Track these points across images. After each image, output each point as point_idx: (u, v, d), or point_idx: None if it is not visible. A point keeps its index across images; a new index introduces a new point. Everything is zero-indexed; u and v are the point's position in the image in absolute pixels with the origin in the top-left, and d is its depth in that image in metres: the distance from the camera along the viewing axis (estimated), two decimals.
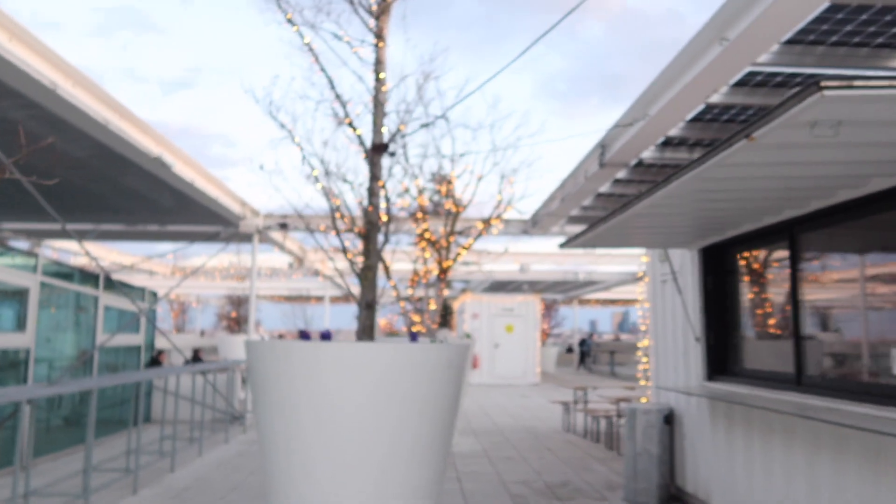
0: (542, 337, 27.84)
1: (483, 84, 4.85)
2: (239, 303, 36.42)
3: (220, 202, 10.10)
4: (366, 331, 5.02)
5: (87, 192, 10.63)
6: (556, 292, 32.09)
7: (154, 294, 11.93)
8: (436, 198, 11.47)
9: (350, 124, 5.28)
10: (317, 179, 5.20)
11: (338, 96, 5.27)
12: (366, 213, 5.20)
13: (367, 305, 5.07)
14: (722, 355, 6.16)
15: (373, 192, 5.20)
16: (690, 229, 5.80)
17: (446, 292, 10.59)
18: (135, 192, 10.02)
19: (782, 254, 5.22)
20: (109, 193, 10.38)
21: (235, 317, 37.30)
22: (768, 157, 3.12)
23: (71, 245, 15.99)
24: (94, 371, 9.64)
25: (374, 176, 5.20)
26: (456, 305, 28.97)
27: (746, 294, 5.87)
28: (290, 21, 5.26)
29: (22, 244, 14.23)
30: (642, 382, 7.84)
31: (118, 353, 11.06)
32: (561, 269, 23.00)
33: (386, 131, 5.30)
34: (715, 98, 5.69)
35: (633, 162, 7.61)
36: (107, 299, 10.04)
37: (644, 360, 7.76)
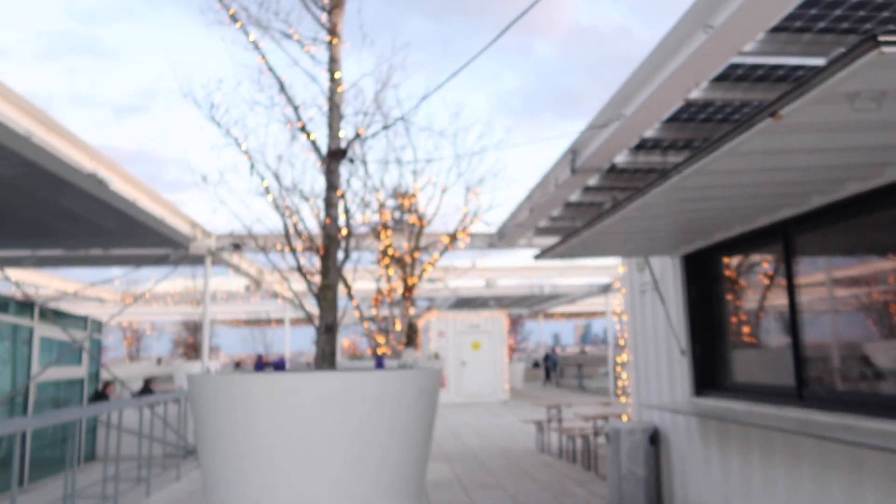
0: (508, 353, 27.45)
1: (442, 84, 4.42)
2: (196, 328, 35.19)
3: (167, 223, 9.42)
4: (325, 357, 4.47)
5: (20, 216, 9.82)
6: (522, 307, 31.79)
7: (98, 323, 11.12)
8: (398, 213, 10.99)
9: (303, 128, 4.76)
10: (267, 191, 4.65)
11: (289, 99, 4.76)
12: (323, 226, 4.68)
13: (327, 328, 4.53)
14: (710, 368, 5.77)
15: (330, 203, 4.68)
16: (673, 235, 5.43)
17: (412, 311, 10.07)
18: (73, 213, 9.27)
19: (774, 256, 4.87)
20: (45, 216, 9.59)
21: (192, 343, 36.06)
22: (784, 143, 2.71)
23: (12, 274, 14.97)
24: (30, 409, 8.82)
25: (332, 185, 4.69)
26: (421, 324, 28.41)
27: (735, 302, 5.51)
28: (233, 17, 4.74)
29: None
30: (622, 399, 7.43)
31: (58, 388, 10.21)
32: (527, 284, 22.68)
33: (343, 136, 4.80)
34: (695, 94, 5.35)
35: (606, 167, 7.25)
36: (43, 330, 9.25)
37: (623, 375, 7.36)
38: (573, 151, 7.37)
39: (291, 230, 5.05)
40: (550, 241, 12.76)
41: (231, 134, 4.62)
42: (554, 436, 10.97)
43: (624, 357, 7.18)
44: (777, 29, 4.58)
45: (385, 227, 9.70)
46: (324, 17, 4.85)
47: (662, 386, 6.34)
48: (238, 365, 27.59)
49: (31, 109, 5.58)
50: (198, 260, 12.20)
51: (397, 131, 9.44)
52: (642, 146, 7.22)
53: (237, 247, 11.66)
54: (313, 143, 4.77)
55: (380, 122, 5.75)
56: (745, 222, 4.76)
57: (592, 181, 8.12)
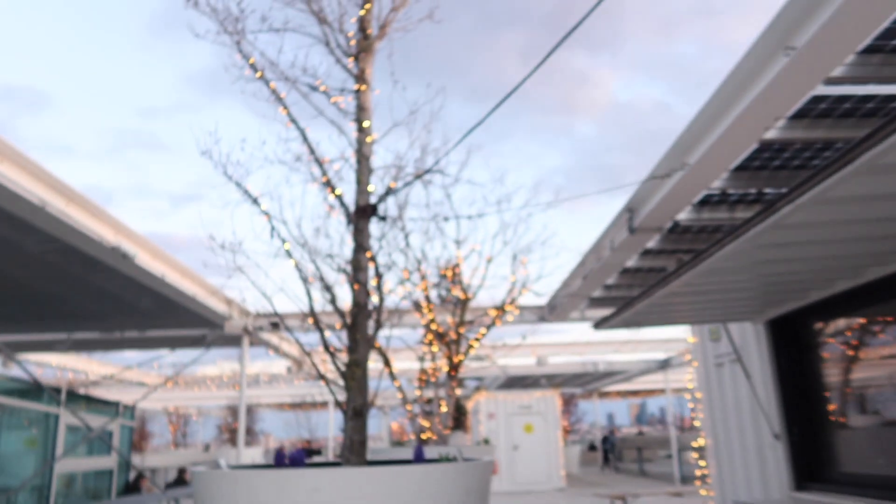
0: (563, 435, 26.02)
1: (483, 119, 3.87)
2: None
3: (200, 300, 9.02)
4: (354, 447, 3.78)
5: (54, 296, 9.57)
6: (575, 385, 30.35)
7: (131, 408, 10.64)
8: (441, 288, 10.38)
9: (327, 183, 4.25)
10: (289, 255, 4.10)
11: (311, 150, 4.28)
12: (352, 292, 4.08)
13: (356, 413, 3.86)
14: (812, 456, 4.84)
15: (358, 267, 4.10)
16: (755, 298, 4.66)
17: (458, 391, 9.29)
18: (105, 291, 8.96)
19: (890, 317, 4.05)
20: (78, 296, 9.32)
21: (236, 427, 35.44)
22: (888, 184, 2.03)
23: (50, 358, 14.81)
24: (51, 501, 8.24)
25: (360, 245, 4.12)
26: (470, 405, 27.24)
27: (840, 373, 4.64)
28: (253, 67, 4.35)
29: None
30: (703, 492, 6.42)
31: (86, 479, 9.65)
32: (580, 361, 21.56)
33: (373, 191, 4.27)
34: (771, 133, 4.68)
35: (668, 226, 6.55)
36: (69, 417, 8.77)
37: (701, 462, 6.39)
38: (630, 210, 6.71)
39: (319, 301, 4.46)
40: (605, 313, 11.92)
41: (245, 190, 4.13)
42: None
43: (701, 441, 6.24)
44: (869, 50, 3.94)
45: (428, 300, 9.07)
46: (350, 61, 4.43)
47: (752, 476, 5.38)
48: (281, 452, 26.74)
49: (39, 173, 5.26)
50: (234, 341, 11.75)
51: (438, 200, 8.93)
52: (707, 201, 6.52)
53: (275, 326, 11.18)
54: (339, 198, 4.25)
55: (415, 181, 5.24)
56: (851, 276, 3.98)
57: (652, 243, 7.41)
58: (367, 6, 4.59)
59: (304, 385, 24.37)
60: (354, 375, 3.91)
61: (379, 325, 4.20)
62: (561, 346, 16.52)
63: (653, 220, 6.35)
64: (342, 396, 4.10)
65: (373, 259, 4.25)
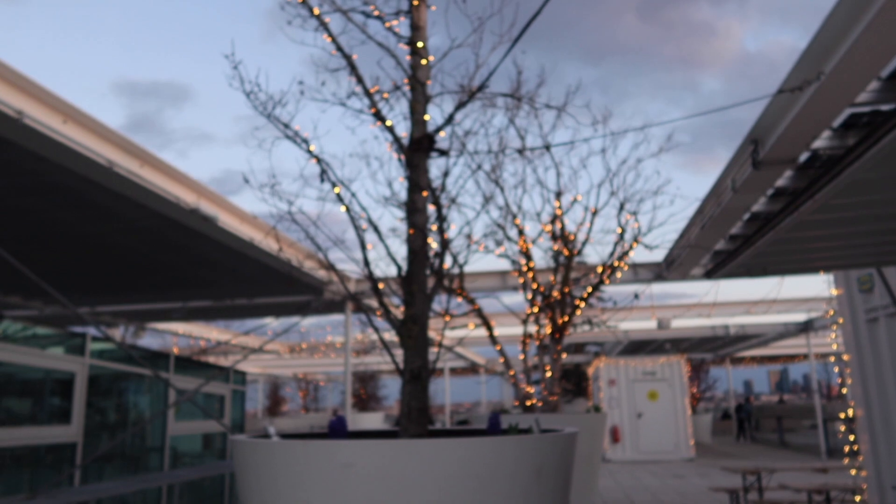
0: (691, 403, 24.55)
1: (533, 17, 3.15)
2: (364, 379, 35.68)
3: (296, 265, 8.88)
4: (412, 415, 3.27)
5: (166, 265, 9.84)
6: (704, 351, 28.54)
7: (242, 374, 10.84)
8: (545, 245, 9.66)
9: (376, 114, 3.70)
10: (340, 200, 3.61)
11: (359, 79, 3.74)
12: (407, 238, 3.55)
13: (413, 376, 3.34)
14: None
15: (414, 208, 3.55)
16: None
17: (564, 355, 8.60)
18: (208, 260, 9.07)
19: None
20: (185, 264, 9.52)
21: (364, 393, 36.60)
22: None
23: (173, 326, 15.57)
24: (165, 464, 8.48)
25: (415, 184, 3.56)
26: (590, 371, 26.33)
27: None
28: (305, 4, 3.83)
29: (120, 329, 13.87)
30: (853, 471, 5.40)
31: (195, 441, 9.94)
32: (708, 324, 20.07)
33: (429, 120, 3.68)
34: None
35: (804, 157, 5.47)
36: (181, 382, 8.99)
37: (851, 437, 5.37)
38: (754, 140, 5.67)
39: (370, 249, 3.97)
40: (730, 268, 10.68)
41: (293, 131, 3.66)
42: None
43: (851, 412, 5.22)
44: None
45: (528, 258, 8.41)
46: None
47: None
48: (332, 420, 27.15)
49: (103, 131, 5.11)
50: (340, 307, 11.68)
51: (536, 157, 8.11)
52: (853, 123, 5.37)
53: (376, 290, 10.92)
54: (390, 130, 3.69)
55: (476, 107, 4.59)
56: None
57: (783, 181, 6.30)
58: None
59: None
60: (411, 333, 3.39)
61: (441, 277, 3.64)
62: (684, 307, 15.28)
63: (782, 149, 5.29)
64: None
65: (435, 199, 3.68)
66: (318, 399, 39.87)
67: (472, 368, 33.75)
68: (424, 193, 3.55)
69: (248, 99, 3.75)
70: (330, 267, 3.88)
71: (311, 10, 3.89)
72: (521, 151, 4.99)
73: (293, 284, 10.19)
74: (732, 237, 8.76)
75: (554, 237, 8.47)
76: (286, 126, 3.69)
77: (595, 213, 8.45)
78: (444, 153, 3.71)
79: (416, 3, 3.81)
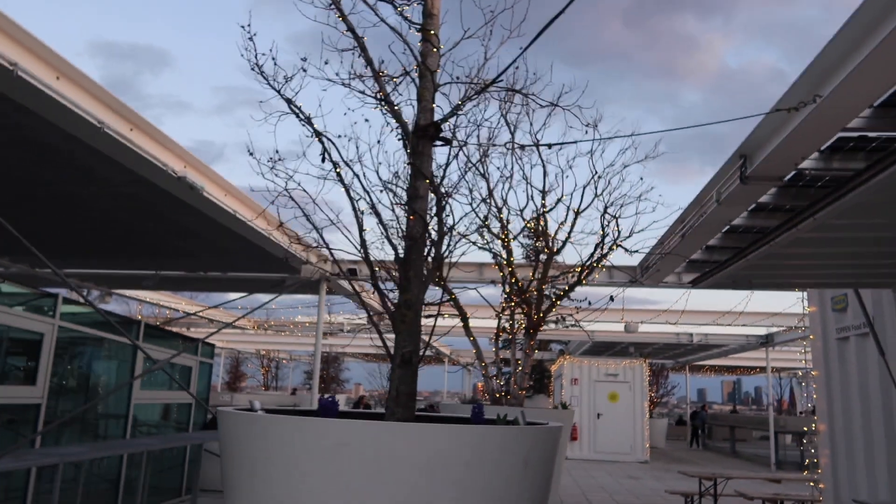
0: (649, 407, 25.04)
1: (549, 24, 3.17)
2: (328, 360, 35.55)
3: (275, 241, 8.81)
4: (400, 399, 3.30)
5: (142, 232, 9.67)
6: (666, 357, 29.06)
7: (210, 347, 10.74)
8: (525, 241, 9.72)
9: (384, 99, 3.70)
10: (340, 180, 3.60)
11: (368, 62, 3.72)
12: (407, 224, 3.56)
13: (404, 360, 3.36)
14: None
15: (415, 195, 3.56)
16: None
17: (537, 352, 8.70)
18: (186, 229, 8.94)
19: None
20: (163, 232, 9.37)
21: (323, 375, 36.46)
22: None
23: (147, 295, 15.35)
24: (127, 432, 8.37)
25: (418, 171, 3.57)
26: (553, 368, 26.62)
27: None
28: None
29: (94, 292, 13.61)
30: (821, 485, 5.56)
31: (162, 411, 9.83)
32: (673, 331, 20.42)
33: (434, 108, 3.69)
34: None
35: (789, 175, 5.60)
36: (148, 351, 8.86)
37: (812, 450, 5.54)
38: (743, 155, 5.79)
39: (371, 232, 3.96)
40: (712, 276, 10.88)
41: (297, 108, 3.63)
42: None
43: (820, 426, 5.39)
44: None
45: (509, 252, 8.46)
46: None
47: (877, 473, 4.54)
48: (361, 401, 27.17)
49: (99, 92, 5.00)
50: (314, 287, 11.62)
51: (524, 155, 8.15)
52: (839, 146, 5.51)
53: (352, 273, 10.92)
54: (396, 116, 3.69)
55: (483, 99, 4.60)
56: None
57: (766, 197, 6.45)
58: None
59: (389, 337, 24.46)
60: (405, 318, 3.40)
61: (438, 263, 3.66)
62: (653, 312, 15.54)
63: (771, 166, 5.42)
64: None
65: (434, 188, 3.70)
66: (280, 377, 39.63)
67: (437, 358, 33.84)
68: (427, 181, 3.56)
69: (261, 74, 3.71)
70: (325, 248, 3.85)
71: None
72: (523, 147, 4.99)
73: (270, 262, 10.11)
74: (716, 248, 8.93)
75: (536, 234, 8.54)
76: (290, 102, 3.66)
77: (578, 214, 8.54)
78: (447, 142, 3.73)
79: None
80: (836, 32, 4.06)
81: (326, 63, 3.98)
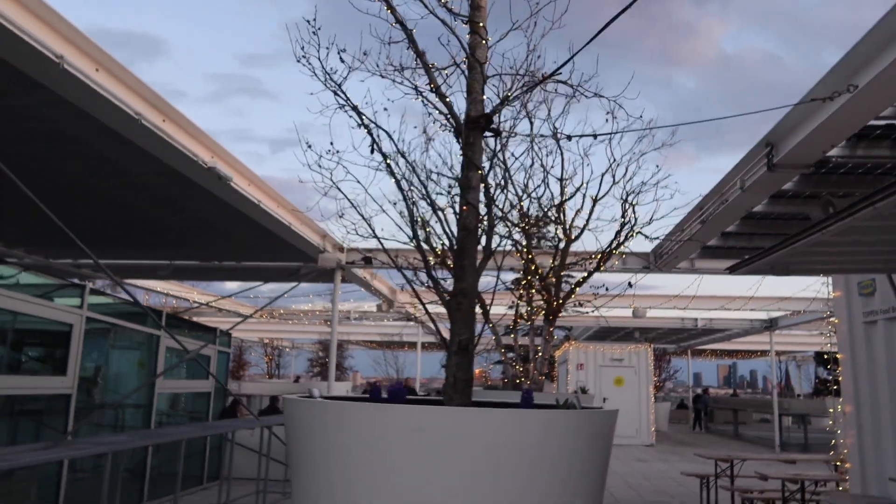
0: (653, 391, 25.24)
1: (607, 25, 3.21)
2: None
3: (295, 229, 8.86)
4: (458, 385, 3.38)
5: (158, 222, 9.70)
6: (670, 341, 29.26)
7: (227, 335, 10.82)
8: (544, 228, 9.80)
9: (436, 90, 3.75)
10: (391, 172, 3.65)
11: (417, 53, 3.77)
12: (460, 215, 3.62)
13: (461, 348, 3.44)
14: None
15: (469, 186, 3.63)
16: None
17: (556, 338, 8.80)
18: (203, 219, 8.98)
19: None
20: (181, 223, 9.40)
21: (326, 362, 36.59)
22: None
23: (156, 284, 15.40)
24: (152, 420, 8.45)
25: (470, 161, 3.63)
26: (557, 354, 26.78)
27: None
28: None
29: (102, 282, 13.66)
30: (847, 465, 5.69)
31: (184, 400, 9.92)
32: (679, 316, 20.56)
33: (487, 102, 3.75)
34: None
35: (814, 163, 5.69)
36: (169, 340, 8.93)
37: (839, 431, 5.67)
38: (769, 143, 5.87)
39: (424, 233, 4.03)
40: (717, 264, 10.98)
41: (346, 100, 3.68)
42: (724, 496, 9.18)
43: (845, 408, 5.51)
44: None
45: (529, 239, 8.53)
46: None
47: None
48: (371, 386, 27.26)
49: (137, 86, 5.03)
50: (327, 276, 11.68)
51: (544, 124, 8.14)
52: (866, 135, 5.60)
53: (368, 261, 10.99)
54: (449, 107, 3.75)
55: (533, 90, 4.63)
56: None
57: (788, 184, 6.54)
58: None
59: (393, 325, 24.61)
60: (461, 306, 3.48)
61: (489, 253, 3.74)
62: (662, 298, 15.66)
63: (799, 154, 5.51)
64: (436, 335, 3.70)
65: (483, 179, 3.76)
66: (282, 365, 39.77)
67: (440, 344, 33.99)
68: (479, 172, 3.63)
69: (318, 73, 3.75)
70: (374, 237, 3.91)
71: None
72: (570, 138, 5.06)
73: (284, 250, 10.16)
74: (729, 249, 8.99)
75: (556, 222, 8.61)
76: (347, 99, 3.71)
77: (596, 201, 8.59)
78: (497, 133, 3.79)
79: None
80: (873, 26, 4.12)
81: (366, 55, 4.03)
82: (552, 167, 8.78)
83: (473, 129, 3.65)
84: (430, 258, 4.00)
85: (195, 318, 19.44)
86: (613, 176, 8.50)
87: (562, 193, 8.63)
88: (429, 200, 3.76)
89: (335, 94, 3.85)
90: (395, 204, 4.11)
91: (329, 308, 22.75)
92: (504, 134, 4.18)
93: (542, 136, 6.78)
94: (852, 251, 3.69)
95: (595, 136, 4.01)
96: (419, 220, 3.80)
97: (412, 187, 3.96)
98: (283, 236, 9.18)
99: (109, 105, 4.96)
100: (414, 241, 3.74)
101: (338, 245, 10.95)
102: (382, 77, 4.02)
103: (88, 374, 7.39)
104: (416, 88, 3.71)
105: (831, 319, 5.91)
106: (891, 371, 4.88)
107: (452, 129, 3.79)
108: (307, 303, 22.14)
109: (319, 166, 4.06)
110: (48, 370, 6.86)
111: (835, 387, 5.76)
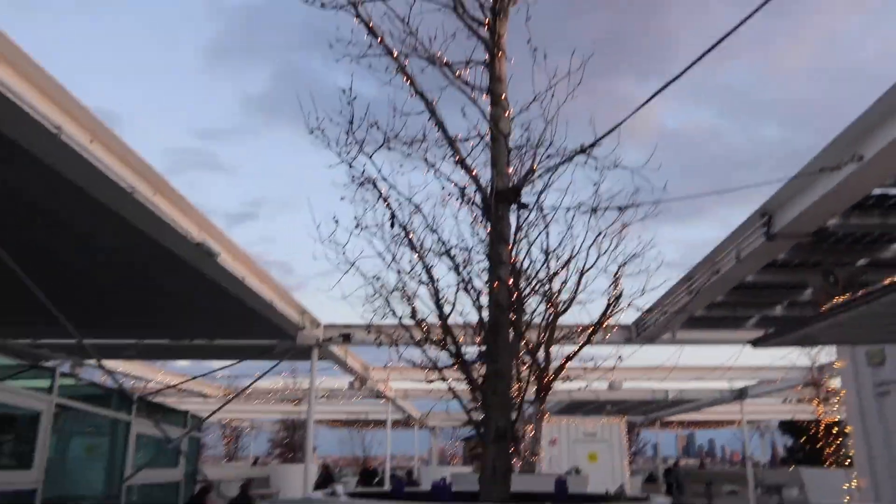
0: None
1: (651, 97, 3.19)
2: (294, 427, 34.29)
3: (277, 307, 8.55)
4: (497, 476, 3.13)
5: (127, 298, 9.24)
6: (639, 413, 29.03)
7: (199, 419, 10.24)
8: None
9: (461, 162, 3.66)
10: (411, 246, 3.50)
11: (439, 125, 3.69)
12: (491, 292, 3.46)
13: (499, 435, 3.21)
14: None
15: (497, 260, 3.48)
16: None
17: (547, 415, 8.57)
18: (179, 295, 8.58)
19: None
20: (152, 296, 8.96)
21: (289, 443, 35.14)
22: None
23: (120, 365, 14.62)
24: None
25: (500, 235, 3.51)
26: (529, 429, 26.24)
27: None
28: (371, 32, 3.79)
29: (63, 364, 12.90)
30: None
31: (152, 491, 9.23)
32: (649, 387, 20.48)
33: (513, 174, 3.66)
34: None
35: (813, 231, 5.75)
36: (140, 426, 8.37)
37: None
38: (765, 213, 5.93)
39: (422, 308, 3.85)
40: (700, 335, 10.97)
41: (361, 170, 3.56)
42: None
43: (857, 482, 5.37)
44: None
45: (521, 312, 8.36)
46: (485, 25, 3.84)
47: None
48: (327, 469, 25.90)
49: (131, 159, 4.83)
50: (303, 353, 11.26)
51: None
52: (860, 204, 5.70)
53: (346, 338, 10.66)
54: (475, 180, 3.65)
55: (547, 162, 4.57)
56: None
57: (784, 254, 6.60)
58: None
59: (362, 403, 23.83)
60: (496, 389, 3.27)
61: (521, 331, 3.56)
62: (641, 370, 15.57)
63: (799, 224, 5.56)
64: (465, 416, 3.47)
65: (511, 253, 3.63)
66: (241, 447, 37.98)
67: (406, 422, 33.04)
68: (508, 247, 3.50)
69: (319, 136, 3.63)
70: (394, 315, 3.71)
71: (390, 52, 3.85)
72: (595, 210, 4.97)
73: (260, 327, 9.77)
74: (713, 319, 8.96)
75: (544, 297, 8.49)
76: (374, 184, 3.59)
77: (583, 273, 8.53)
78: (524, 206, 3.69)
79: (499, 55, 3.83)
80: (881, 96, 4.22)
81: (377, 127, 3.94)
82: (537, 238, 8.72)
83: (501, 201, 3.54)
84: (450, 337, 3.81)
85: (157, 400, 18.52)
86: (599, 249, 8.49)
87: (547, 266, 8.56)
88: (459, 274, 3.59)
89: (350, 165, 3.73)
90: (377, 279, 3.95)
91: (293, 386, 21.95)
92: (534, 207, 4.07)
93: (569, 208, 6.73)
94: (882, 323, 3.64)
95: (621, 209, 3.94)
96: (444, 297, 3.62)
97: (427, 260, 3.79)
98: (265, 313, 8.84)
99: (105, 179, 4.74)
100: (441, 321, 3.55)
101: (315, 321, 10.62)
102: (408, 156, 3.90)
103: (54, 465, 6.81)
104: (461, 162, 3.61)
105: (841, 391, 5.85)
106: None
107: (474, 203, 3.68)
108: (269, 381, 21.35)
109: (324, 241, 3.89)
110: (12, 464, 6.29)
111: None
